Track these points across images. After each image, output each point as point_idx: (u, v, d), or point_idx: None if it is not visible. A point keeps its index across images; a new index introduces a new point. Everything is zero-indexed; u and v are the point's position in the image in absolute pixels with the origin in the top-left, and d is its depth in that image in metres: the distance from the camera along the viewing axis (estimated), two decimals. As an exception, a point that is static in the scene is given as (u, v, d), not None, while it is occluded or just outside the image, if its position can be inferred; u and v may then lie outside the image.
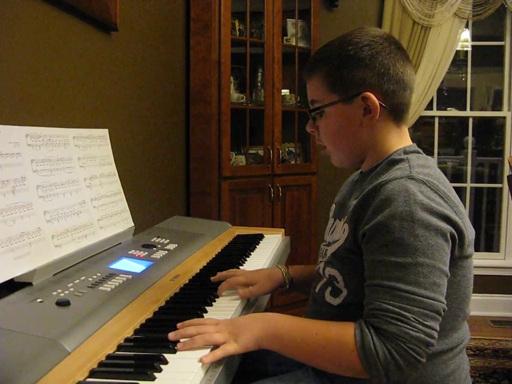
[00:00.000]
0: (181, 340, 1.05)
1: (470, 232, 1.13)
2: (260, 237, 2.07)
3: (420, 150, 1.24)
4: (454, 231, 1.06)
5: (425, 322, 1.00)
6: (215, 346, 1.04)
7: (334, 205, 1.42)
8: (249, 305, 1.37)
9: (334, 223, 1.33)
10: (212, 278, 1.42)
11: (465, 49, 4.09)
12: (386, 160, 1.20)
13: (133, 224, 1.75)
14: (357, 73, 1.18)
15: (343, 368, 1.05)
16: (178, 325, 1.10)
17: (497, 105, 4.18)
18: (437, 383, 1.13)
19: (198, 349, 1.02)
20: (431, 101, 3.97)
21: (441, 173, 1.19)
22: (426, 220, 1.03)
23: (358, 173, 1.38)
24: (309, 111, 1.27)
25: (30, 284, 1.20)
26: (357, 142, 1.24)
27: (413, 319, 0.99)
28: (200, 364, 0.96)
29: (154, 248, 1.64)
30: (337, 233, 1.23)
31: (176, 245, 1.71)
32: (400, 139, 1.24)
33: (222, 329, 1.07)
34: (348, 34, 1.23)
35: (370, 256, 1.08)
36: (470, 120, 4.11)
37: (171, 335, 1.06)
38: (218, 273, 1.45)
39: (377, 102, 1.17)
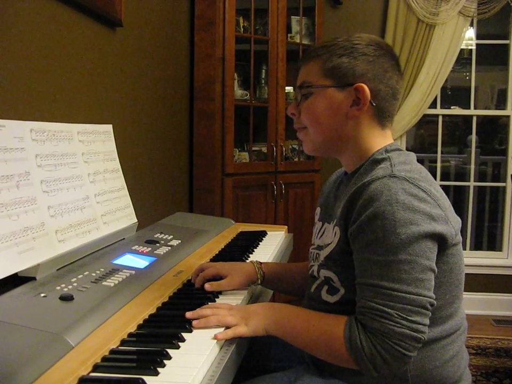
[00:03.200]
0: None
1: (455, 222, 1.15)
2: (263, 233, 2.07)
3: (401, 147, 1.27)
4: (437, 226, 1.08)
5: (410, 318, 1.03)
6: (228, 328, 1.12)
7: (319, 208, 1.43)
8: (253, 302, 1.37)
9: (322, 226, 1.34)
10: (193, 280, 1.40)
11: (470, 47, 4.08)
12: (369, 160, 1.22)
13: (136, 220, 1.76)
14: (357, 64, 1.21)
15: (335, 359, 1.13)
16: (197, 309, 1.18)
17: (501, 104, 4.17)
18: (437, 368, 1.15)
19: (211, 327, 1.11)
20: (435, 99, 3.96)
21: (423, 167, 1.22)
22: (408, 218, 1.05)
23: (341, 173, 1.39)
24: (299, 87, 1.28)
25: (33, 279, 1.20)
26: (338, 132, 1.25)
27: (396, 315, 1.03)
28: (215, 342, 1.05)
29: (158, 244, 1.64)
30: (328, 236, 1.25)
31: (180, 241, 1.72)
32: (383, 139, 1.26)
33: (234, 314, 1.16)
34: (354, 34, 1.27)
35: (356, 255, 1.12)
36: (474, 119, 4.10)
37: (188, 314, 1.14)
38: (192, 274, 1.42)
39: (368, 95, 1.20)
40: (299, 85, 1.28)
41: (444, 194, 1.18)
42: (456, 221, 1.17)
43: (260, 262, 1.48)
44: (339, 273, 1.19)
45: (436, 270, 1.09)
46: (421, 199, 1.08)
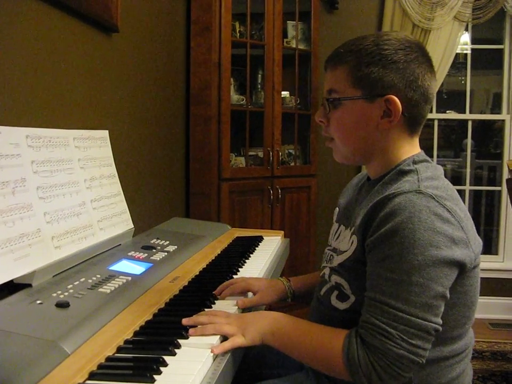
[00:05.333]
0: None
1: (476, 246, 1.12)
2: (260, 239, 2.07)
3: (429, 159, 1.23)
4: (457, 251, 1.05)
5: (410, 341, 1.01)
6: (224, 337, 1.10)
7: (337, 208, 1.41)
8: (249, 308, 1.36)
9: (338, 228, 1.32)
10: (214, 292, 1.37)
11: (465, 52, 4.10)
12: (395, 169, 1.19)
13: (133, 226, 1.75)
14: (387, 74, 1.15)
15: (331, 372, 1.11)
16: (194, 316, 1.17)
17: (496, 108, 4.18)
18: None
19: (207, 336, 1.09)
20: (431, 103, 3.97)
21: (449, 184, 1.17)
22: (428, 239, 1.02)
23: (363, 177, 1.36)
24: (326, 99, 1.23)
25: (29, 285, 1.19)
26: (368, 143, 1.21)
27: (397, 336, 1.01)
28: (209, 352, 1.02)
29: (154, 250, 1.64)
30: (344, 243, 1.22)
31: (176, 247, 1.71)
32: (410, 148, 1.22)
33: (231, 322, 1.14)
34: (384, 34, 1.21)
35: (370, 267, 1.09)
36: (469, 123, 4.11)
37: (184, 321, 1.13)
38: (219, 286, 1.39)
39: (400, 107, 1.15)
40: (327, 91, 1.23)
41: (468, 213, 1.14)
42: (478, 243, 1.14)
43: (288, 279, 1.48)
44: (351, 281, 1.17)
45: (448, 297, 1.06)
46: (444, 219, 1.05)
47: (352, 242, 1.17)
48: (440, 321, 1.04)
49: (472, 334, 1.22)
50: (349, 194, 1.38)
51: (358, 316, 1.09)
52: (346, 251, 1.19)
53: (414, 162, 1.18)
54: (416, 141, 1.24)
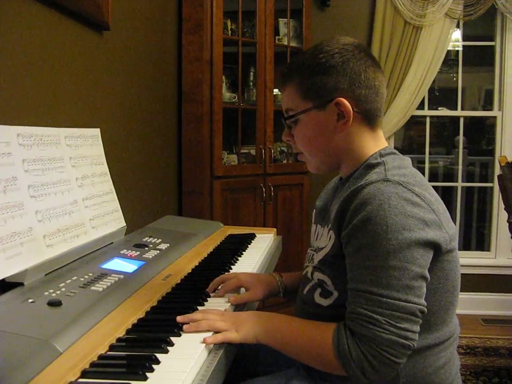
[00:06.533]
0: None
1: (449, 228, 1.14)
2: (252, 236, 2.08)
3: (396, 151, 1.26)
4: (430, 232, 1.07)
5: (398, 325, 1.03)
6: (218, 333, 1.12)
7: (314, 210, 1.44)
8: (241, 305, 1.36)
9: (316, 228, 1.35)
10: (207, 290, 1.38)
11: (457, 49, 4.11)
12: (364, 164, 1.22)
13: (125, 224, 1.75)
14: (329, 80, 1.21)
15: (324, 367, 1.12)
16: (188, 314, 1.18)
17: (488, 105, 4.20)
18: (430, 375, 1.15)
19: (202, 332, 1.10)
20: (423, 100, 3.98)
21: (418, 172, 1.21)
22: (400, 223, 1.05)
23: (338, 179, 1.39)
24: (284, 119, 1.30)
25: (21, 284, 1.19)
26: (332, 147, 1.25)
27: (384, 322, 1.03)
28: (204, 346, 1.04)
29: (146, 248, 1.64)
30: (323, 240, 1.25)
31: (168, 245, 1.71)
32: (375, 142, 1.26)
33: (225, 319, 1.16)
34: (319, 44, 1.26)
35: (348, 259, 1.12)
36: (461, 120, 4.13)
37: (179, 318, 1.14)
38: (211, 283, 1.40)
39: (349, 107, 1.20)
40: (285, 111, 1.30)
41: (439, 199, 1.18)
42: (451, 226, 1.16)
43: (280, 275, 1.49)
44: (333, 276, 1.19)
45: (428, 277, 1.08)
46: (414, 203, 1.08)
47: (330, 237, 1.19)
48: (424, 303, 1.06)
49: (456, 322, 1.24)
50: (325, 197, 1.41)
51: (343, 311, 1.11)
52: (324, 247, 1.22)
53: (381, 156, 1.22)
54: (380, 134, 1.28)
